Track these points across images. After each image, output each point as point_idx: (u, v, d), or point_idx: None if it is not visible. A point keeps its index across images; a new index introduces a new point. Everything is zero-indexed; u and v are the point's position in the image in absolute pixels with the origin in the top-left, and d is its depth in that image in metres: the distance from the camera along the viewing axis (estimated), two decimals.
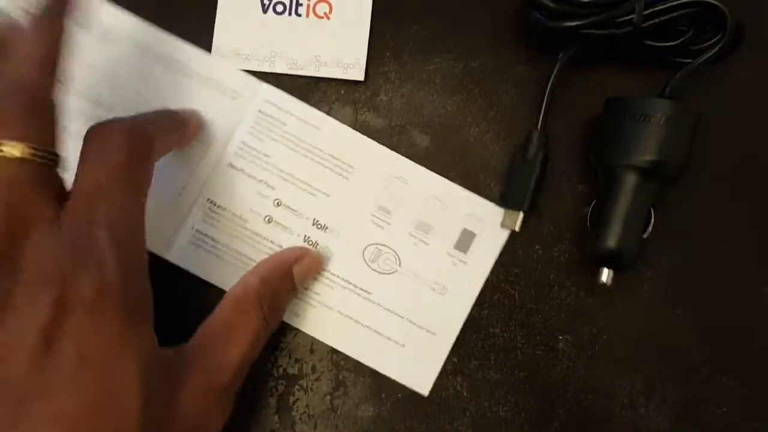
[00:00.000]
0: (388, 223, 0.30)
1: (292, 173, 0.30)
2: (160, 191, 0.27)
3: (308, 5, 0.30)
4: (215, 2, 0.30)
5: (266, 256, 0.29)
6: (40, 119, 0.20)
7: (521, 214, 0.28)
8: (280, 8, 0.30)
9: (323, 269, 0.29)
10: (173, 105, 0.29)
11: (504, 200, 0.29)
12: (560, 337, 0.29)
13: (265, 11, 0.30)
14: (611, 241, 0.27)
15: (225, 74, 0.30)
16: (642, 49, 0.28)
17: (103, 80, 0.30)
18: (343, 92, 0.30)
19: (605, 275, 0.28)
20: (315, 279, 0.29)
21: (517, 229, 0.29)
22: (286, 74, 0.30)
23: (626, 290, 0.29)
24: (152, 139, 0.23)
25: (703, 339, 0.29)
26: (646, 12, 0.26)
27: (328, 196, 0.30)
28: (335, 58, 0.30)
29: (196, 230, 0.30)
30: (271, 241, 0.30)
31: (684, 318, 0.29)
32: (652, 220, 0.27)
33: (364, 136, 0.30)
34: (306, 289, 0.29)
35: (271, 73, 0.30)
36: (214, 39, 0.30)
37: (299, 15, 0.30)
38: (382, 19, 0.30)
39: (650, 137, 0.26)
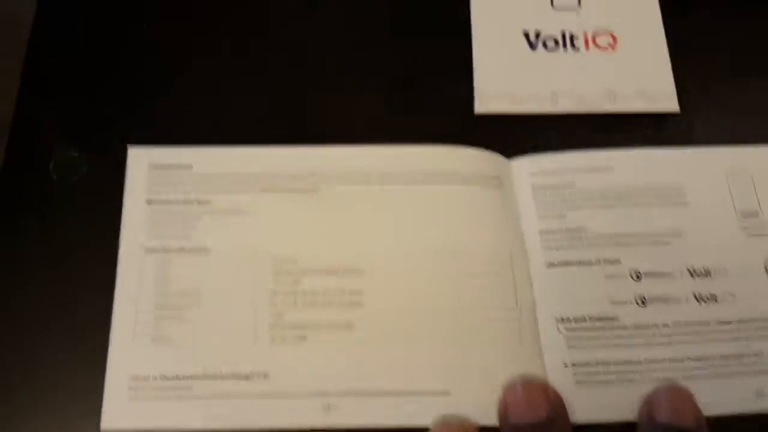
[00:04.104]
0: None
1: (626, 232, 0.23)
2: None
3: (586, 38, 0.27)
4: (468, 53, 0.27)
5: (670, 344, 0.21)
6: None
7: None
8: (551, 44, 0.27)
9: None
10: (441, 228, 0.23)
11: None
12: None
13: (533, 48, 0.27)
14: None
15: (472, 161, 0.24)
16: None
17: None
18: (650, 127, 0.25)
19: None
20: None
21: None
22: (573, 114, 0.25)
23: None
24: None
25: None
26: None
27: (678, 236, 0.23)
28: (635, 91, 0.26)
29: (569, 365, 0.21)
30: (658, 325, 0.22)
31: None
32: None
33: (673, 149, 0.25)
34: None
35: (554, 116, 0.26)
36: (474, 82, 0.26)
37: (576, 49, 0.27)
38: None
39: None
